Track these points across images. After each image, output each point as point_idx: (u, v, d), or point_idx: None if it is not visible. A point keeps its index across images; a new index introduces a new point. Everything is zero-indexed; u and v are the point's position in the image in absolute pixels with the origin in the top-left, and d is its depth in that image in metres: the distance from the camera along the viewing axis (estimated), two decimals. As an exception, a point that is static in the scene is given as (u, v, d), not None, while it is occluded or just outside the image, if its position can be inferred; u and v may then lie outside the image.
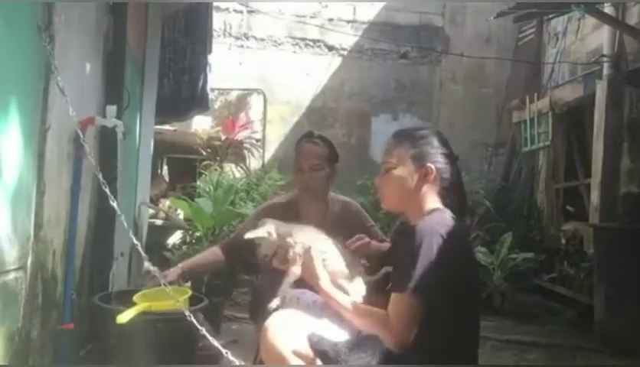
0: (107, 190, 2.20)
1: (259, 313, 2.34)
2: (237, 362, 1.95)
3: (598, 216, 4.99)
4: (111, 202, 2.20)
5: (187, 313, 2.10)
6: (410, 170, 1.86)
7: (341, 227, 2.41)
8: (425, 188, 1.84)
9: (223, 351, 1.95)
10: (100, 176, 2.27)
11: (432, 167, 1.84)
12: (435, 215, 1.78)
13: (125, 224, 2.23)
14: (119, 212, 2.21)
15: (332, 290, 1.88)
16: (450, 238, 1.71)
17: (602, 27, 5.29)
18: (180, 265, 2.62)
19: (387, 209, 1.98)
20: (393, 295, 1.73)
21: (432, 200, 1.84)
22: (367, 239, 2.26)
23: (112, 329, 2.51)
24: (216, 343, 1.98)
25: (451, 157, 1.90)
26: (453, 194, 1.88)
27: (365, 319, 1.80)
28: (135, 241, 2.21)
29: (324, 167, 2.61)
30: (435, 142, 1.89)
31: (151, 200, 5.21)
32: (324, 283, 1.90)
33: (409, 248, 1.71)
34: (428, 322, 1.70)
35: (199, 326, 2.02)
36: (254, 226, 2.23)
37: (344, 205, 2.70)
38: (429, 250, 1.68)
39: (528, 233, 6.11)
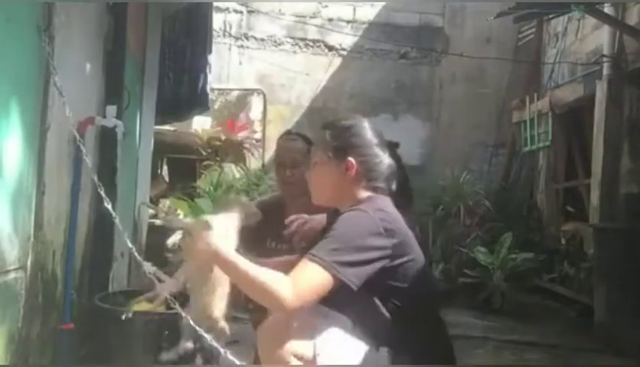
0: (102, 193, 2.19)
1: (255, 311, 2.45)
2: (237, 362, 1.93)
3: (598, 216, 4.99)
4: (106, 204, 2.19)
5: (183, 313, 2.10)
6: (333, 164, 1.78)
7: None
8: (349, 182, 1.76)
9: (222, 350, 1.94)
10: (96, 178, 2.27)
11: (353, 161, 1.75)
12: (365, 202, 1.71)
13: (121, 227, 2.23)
14: (114, 214, 2.20)
15: (230, 253, 1.63)
16: (381, 222, 1.62)
17: (602, 27, 5.29)
18: (180, 278, 2.54)
19: (317, 204, 1.89)
20: (302, 260, 1.61)
21: (360, 192, 1.76)
22: (303, 217, 2.19)
23: (112, 329, 2.52)
24: (215, 344, 1.97)
25: (382, 147, 1.81)
26: (388, 183, 1.79)
27: (264, 279, 1.55)
28: (130, 245, 2.20)
29: (305, 162, 2.58)
30: (362, 133, 1.81)
31: (151, 200, 5.21)
32: (222, 246, 1.64)
33: (333, 226, 1.65)
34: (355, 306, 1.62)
35: (197, 328, 2.01)
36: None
37: None
38: (346, 227, 1.62)
39: (528, 233, 6.10)
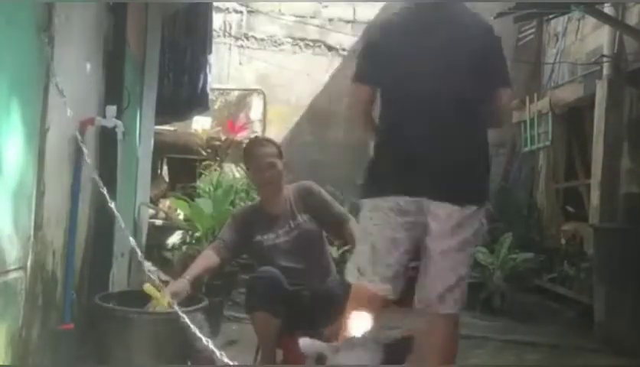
0: (105, 192, 2.21)
1: (255, 305, 2.68)
2: (230, 363, 1.92)
3: (598, 216, 4.98)
4: (109, 204, 2.21)
5: (180, 312, 2.11)
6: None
7: (303, 208, 2.93)
8: None
9: (218, 352, 1.93)
10: (97, 177, 2.28)
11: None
12: None
13: (123, 224, 2.23)
14: (117, 213, 2.22)
15: None
16: None
17: (602, 27, 5.29)
18: (187, 278, 2.70)
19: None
20: None
21: None
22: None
23: (112, 329, 2.52)
24: (211, 345, 1.96)
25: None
26: None
27: None
28: (133, 242, 2.22)
29: (277, 163, 2.96)
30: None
31: (151, 200, 5.21)
32: None
33: None
34: None
35: (192, 327, 2.01)
36: (234, 227, 2.93)
37: (298, 188, 3.03)
38: None
39: (528, 233, 6.10)
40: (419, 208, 2.16)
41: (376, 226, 2.19)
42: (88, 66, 2.78)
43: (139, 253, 2.31)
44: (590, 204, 5.28)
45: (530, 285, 5.50)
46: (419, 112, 2.21)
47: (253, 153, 3.04)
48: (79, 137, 2.29)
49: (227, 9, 7.42)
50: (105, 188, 2.26)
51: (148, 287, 2.53)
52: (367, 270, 2.19)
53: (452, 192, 2.16)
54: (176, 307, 2.23)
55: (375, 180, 2.30)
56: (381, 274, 2.18)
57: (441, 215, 2.16)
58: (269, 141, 3.11)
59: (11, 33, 1.85)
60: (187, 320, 2.03)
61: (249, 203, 3.42)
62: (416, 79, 2.21)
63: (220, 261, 2.87)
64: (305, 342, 1.78)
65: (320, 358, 1.76)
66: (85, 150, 2.31)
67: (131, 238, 2.24)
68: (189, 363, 2.57)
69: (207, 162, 6.13)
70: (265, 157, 2.95)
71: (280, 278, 2.70)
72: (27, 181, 2.03)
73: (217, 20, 6.79)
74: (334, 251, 4.36)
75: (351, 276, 2.29)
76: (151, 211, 5.14)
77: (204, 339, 1.98)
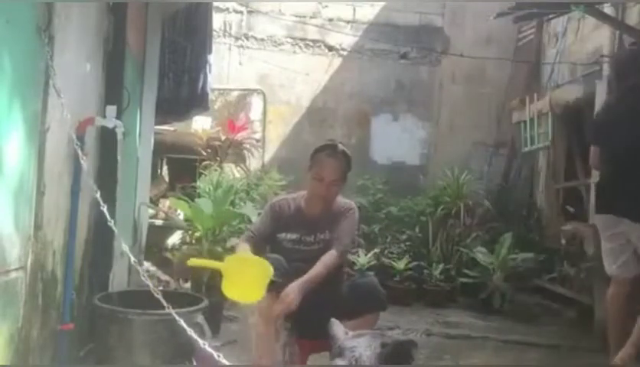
0: (98, 196, 2.21)
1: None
2: (226, 362, 1.92)
3: (598, 216, 4.98)
4: (101, 207, 2.21)
5: (173, 312, 2.10)
6: None
7: (335, 227, 2.84)
8: None
9: (216, 354, 1.93)
10: (92, 181, 2.28)
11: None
12: None
13: (116, 230, 2.24)
14: (109, 217, 2.23)
15: None
16: None
17: (602, 27, 5.29)
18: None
19: None
20: None
21: None
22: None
23: (112, 329, 2.52)
24: (207, 346, 1.95)
25: None
26: None
27: None
28: (124, 246, 2.23)
29: (338, 184, 2.85)
30: None
31: (151, 200, 5.21)
32: None
33: None
34: None
35: (186, 327, 2.00)
36: (270, 216, 2.89)
37: (343, 208, 2.92)
38: None
39: (528, 233, 6.10)
40: (620, 224, 3.23)
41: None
42: (88, 66, 2.78)
43: (132, 258, 2.31)
44: (590, 204, 5.28)
45: (530, 285, 5.50)
46: (614, 156, 3.30)
47: (322, 160, 2.85)
48: (74, 138, 2.29)
49: (227, 9, 7.42)
50: (99, 191, 2.25)
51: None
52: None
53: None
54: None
55: (596, 201, 3.57)
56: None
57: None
58: (345, 157, 2.87)
59: (11, 33, 1.85)
60: (183, 323, 2.02)
61: (293, 195, 3.02)
62: (612, 132, 3.32)
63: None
64: (332, 322, 1.93)
65: (333, 338, 1.89)
66: (80, 152, 2.29)
67: (123, 243, 2.23)
68: (189, 363, 2.57)
69: (207, 162, 6.13)
70: (331, 173, 2.81)
71: (285, 264, 2.66)
72: (27, 181, 2.03)
73: (217, 20, 6.79)
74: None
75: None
76: (151, 211, 5.14)
77: (201, 341, 1.97)
